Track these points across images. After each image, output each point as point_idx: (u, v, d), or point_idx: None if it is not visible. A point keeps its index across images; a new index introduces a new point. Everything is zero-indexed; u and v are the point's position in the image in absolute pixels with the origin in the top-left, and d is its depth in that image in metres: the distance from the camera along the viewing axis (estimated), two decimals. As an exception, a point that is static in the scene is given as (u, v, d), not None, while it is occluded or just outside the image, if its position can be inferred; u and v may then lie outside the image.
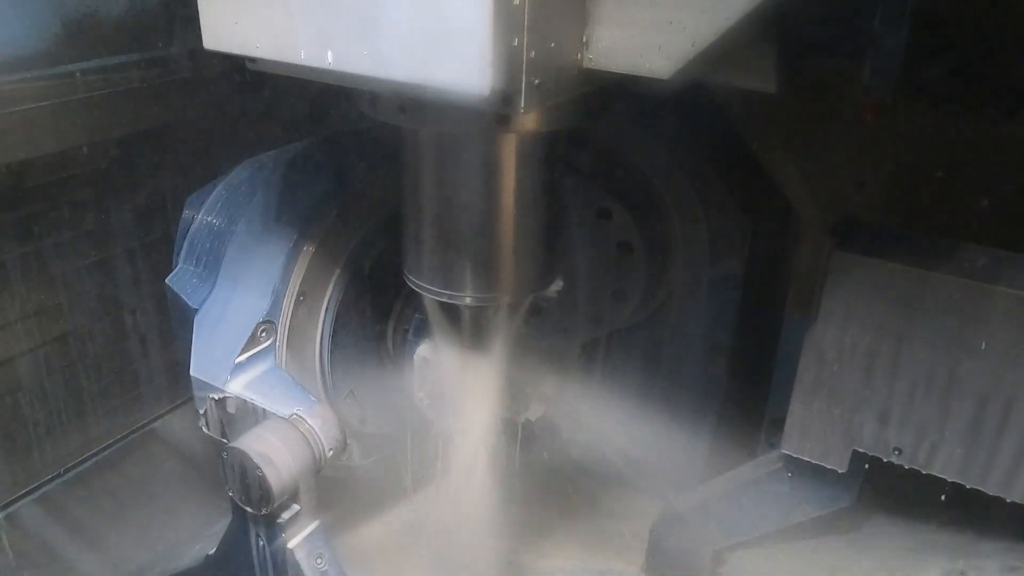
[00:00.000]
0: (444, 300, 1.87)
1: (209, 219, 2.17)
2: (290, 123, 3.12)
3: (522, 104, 1.29)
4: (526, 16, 1.23)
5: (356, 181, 2.19)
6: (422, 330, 2.23)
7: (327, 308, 2.14)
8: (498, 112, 1.39)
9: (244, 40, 1.46)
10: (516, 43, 1.24)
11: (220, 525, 2.08)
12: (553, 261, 1.95)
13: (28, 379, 2.82)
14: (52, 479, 2.95)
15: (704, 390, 2.61)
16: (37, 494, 2.91)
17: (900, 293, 1.77)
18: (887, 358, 1.82)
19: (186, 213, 2.25)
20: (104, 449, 3.12)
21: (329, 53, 1.37)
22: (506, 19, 1.21)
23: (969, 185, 1.96)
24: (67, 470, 2.99)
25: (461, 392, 2.07)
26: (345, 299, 2.16)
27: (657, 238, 2.42)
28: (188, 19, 2.90)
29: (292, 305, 2.05)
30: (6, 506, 2.82)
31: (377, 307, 2.28)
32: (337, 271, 2.14)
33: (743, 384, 2.64)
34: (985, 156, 1.92)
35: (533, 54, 1.27)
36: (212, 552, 2.13)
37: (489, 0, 1.18)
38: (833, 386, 1.91)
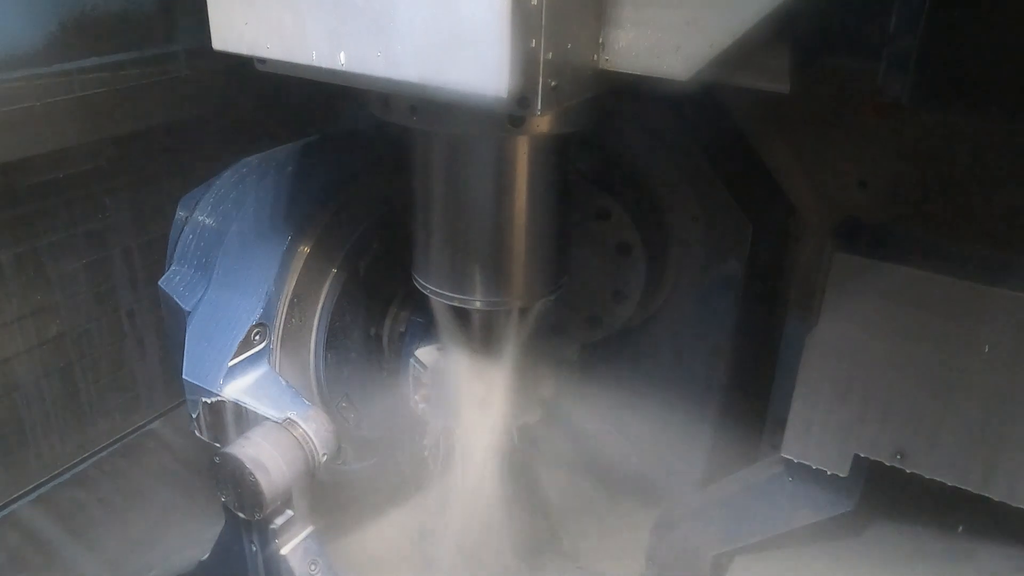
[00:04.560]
0: (455, 304, 1.84)
1: (202, 220, 2.14)
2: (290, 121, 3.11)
3: (539, 106, 1.27)
4: (543, 17, 1.21)
5: (351, 182, 2.17)
6: (418, 333, 2.21)
7: (321, 311, 2.11)
8: (512, 114, 1.37)
9: (254, 41, 1.44)
10: (533, 44, 1.22)
11: (214, 530, 2.06)
12: (564, 264, 1.92)
13: (24, 380, 2.81)
14: (48, 480, 2.94)
15: (704, 392, 2.59)
16: (33, 495, 2.90)
17: (902, 295, 1.75)
18: (889, 361, 1.80)
19: (179, 214, 2.22)
20: (101, 450, 3.11)
21: (341, 54, 1.35)
22: (523, 20, 1.19)
23: (972, 185, 1.94)
24: (64, 471, 2.99)
25: (471, 397, 2.05)
26: (339, 302, 2.14)
27: (656, 239, 2.40)
28: (186, 17, 2.89)
29: (286, 308, 2.03)
30: (3, 507, 2.81)
31: (372, 310, 2.25)
32: (332, 273, 2.12)
33: (743, 387, 2.61)
34: (989, 156, 1.90)
35: (550, 55, 1.24)
36: (204, 558, 2.12)
37: (506, 1, 1.16)
38: (835, 389, 1.88)
